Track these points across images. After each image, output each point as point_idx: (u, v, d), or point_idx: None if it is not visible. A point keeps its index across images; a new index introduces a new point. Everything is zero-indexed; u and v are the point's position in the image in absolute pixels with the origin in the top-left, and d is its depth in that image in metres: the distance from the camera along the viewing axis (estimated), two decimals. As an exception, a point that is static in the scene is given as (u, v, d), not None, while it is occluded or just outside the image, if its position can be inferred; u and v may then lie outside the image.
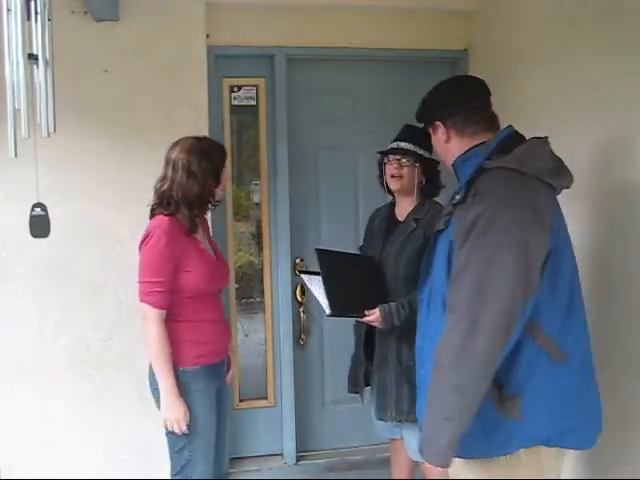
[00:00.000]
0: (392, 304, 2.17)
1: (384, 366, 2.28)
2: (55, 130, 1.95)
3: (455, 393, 1.48)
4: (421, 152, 2.26)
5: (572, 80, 2.37)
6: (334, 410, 3.27)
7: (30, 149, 1.94)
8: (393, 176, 2.30)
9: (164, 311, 2.04)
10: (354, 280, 2.25)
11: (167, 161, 2.12)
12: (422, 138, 2.26)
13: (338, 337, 3.07)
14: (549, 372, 1.56)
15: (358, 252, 2.52)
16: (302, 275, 2.39)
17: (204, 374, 2.11)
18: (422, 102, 1.87)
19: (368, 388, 2.43)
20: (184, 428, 2.04)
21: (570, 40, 2.37)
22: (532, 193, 1.56)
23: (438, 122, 1.77)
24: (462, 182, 1.68)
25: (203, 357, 2.12)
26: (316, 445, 3.29)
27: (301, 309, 3.20)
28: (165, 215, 2.07)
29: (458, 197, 1.63)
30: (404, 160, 2.27)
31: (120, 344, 2.86)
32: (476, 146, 1.71)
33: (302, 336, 3.22)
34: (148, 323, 2.03)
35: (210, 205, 2.19)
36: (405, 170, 2.28)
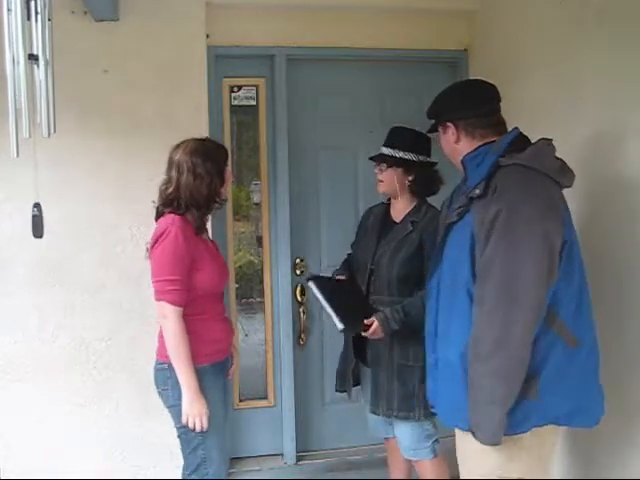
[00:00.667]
0: (386, 310, 2.20)
1: (377, 366, 2.31)
2: (55, 130, 1.95)
3: (498, 379, 1.58)
4: (399, 155, 2.30)
5: (572, 80, 2.37)
6: (334, 410, 3.27)
7: (30, 149, 1.94)
8: (377, 180, 2.39)
9: (182, 308, 2.03)
10: (349, 297, 2.31)
11: (170, 163, 2.12)
12: (407, 141, 2.31)
13: (338, 337, 3.05)
14: (564, 356, 1.66)
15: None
16: (310, 283, 2.29)
17: (213, 371, 2.12)
18: (435, 101, 1.91)
19: (358, 387, 2.45)
20: (205, 424, 2.02)
21: (570, 40, 2.37)
22: (546, 188, 1.66)
23: (449, 123, 1.82)
24: (474, 177, 1.75)
25: (212, 355, 2.12)
26: (316, 445, 3.28)
27: (301, 309, 3.19)
28: (176, 214, 2.08)
29: (478, 192, 1.69)
30: (382, 165, 2.35)
31: (120, 344, 2.86)
32: (485, 144, 1.78)
33: (302, 336, 3.21)
34: (167, 321, 2.02)
35: (216, 204, 2.20)
36: (384, 174, 2.35)
